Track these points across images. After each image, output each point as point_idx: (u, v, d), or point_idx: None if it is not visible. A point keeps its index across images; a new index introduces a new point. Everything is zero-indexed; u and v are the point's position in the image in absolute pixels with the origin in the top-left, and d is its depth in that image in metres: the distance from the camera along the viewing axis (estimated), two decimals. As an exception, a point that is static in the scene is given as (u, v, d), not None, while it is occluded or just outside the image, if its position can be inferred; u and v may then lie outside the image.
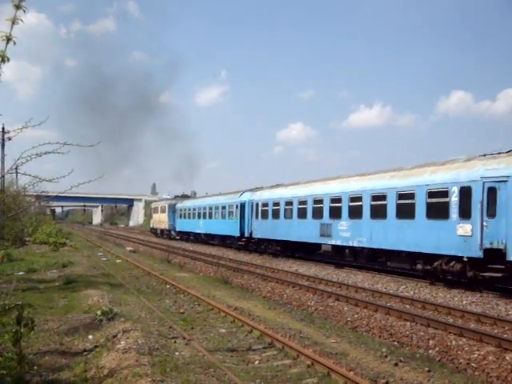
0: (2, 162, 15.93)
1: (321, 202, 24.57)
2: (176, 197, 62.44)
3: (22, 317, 6.08)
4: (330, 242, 23.62)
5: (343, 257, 23.78)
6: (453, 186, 16.40)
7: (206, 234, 44.47)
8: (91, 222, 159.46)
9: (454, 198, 16.29)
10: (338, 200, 23.17)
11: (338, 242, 22.93)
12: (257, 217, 32.08)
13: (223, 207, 39.04)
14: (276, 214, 29.53)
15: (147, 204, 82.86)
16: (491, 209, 15.07)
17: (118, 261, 29.97)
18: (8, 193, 28.67)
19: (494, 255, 14.91)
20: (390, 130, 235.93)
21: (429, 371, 8.80)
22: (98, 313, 11.95)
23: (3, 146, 30.65)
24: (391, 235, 19.26)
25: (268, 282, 19.70)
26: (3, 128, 26.84)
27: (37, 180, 7.43)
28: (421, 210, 17.69)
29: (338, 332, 11.96)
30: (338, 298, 15.41)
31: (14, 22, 4.63)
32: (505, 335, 10.64)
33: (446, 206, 16.56)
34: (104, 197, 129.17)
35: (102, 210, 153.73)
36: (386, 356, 9.73)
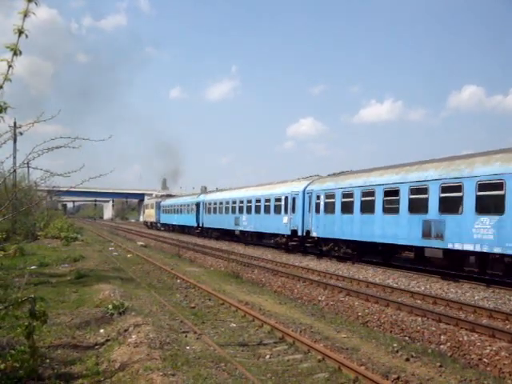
0: (14, 157, 16.04)
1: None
2: (162, 196, 79.26)
3: (35, 310, 6.11)
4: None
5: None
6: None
7: (179, 225, 56.60)
8: (102, 217, 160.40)
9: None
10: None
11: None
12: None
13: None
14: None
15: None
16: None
17: (128, 255, 30.08)
18: (20, 187, 28.88)
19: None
20: (401, 124, 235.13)
21: (440, 366, 8.75)
22: (110, 307, 12.00)
23: (15, 140, 30.74)
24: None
25: (279, 276, 19.70)
26: (15, 123, 26.93)
27: (49, 174, 7.47)
28: None
29: (349, 327, 11.92)
30: (348, 293, 15.37)
31: (25, 14, 4.62)
32: (517, 331, 10.56)
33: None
34: (115, 192, 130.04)
35: (112, 205, 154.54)
36: (397, 351, 9.69)
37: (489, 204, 16.38)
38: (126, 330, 10.01)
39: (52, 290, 15.54)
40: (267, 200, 32.84)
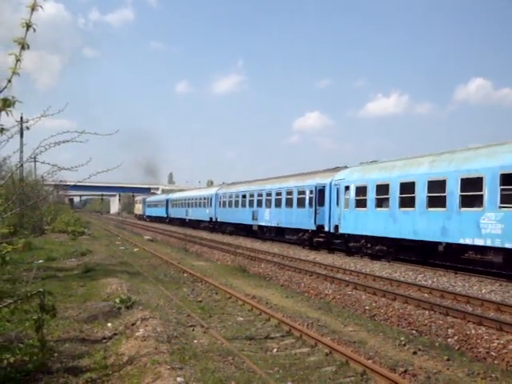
0: (21, 152, 16.07)
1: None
2: (147, 193, 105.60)
3: (44, 304, 6.14)
4: None
5: None
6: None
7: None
8: (109, 211, 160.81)
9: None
10: None
11: None
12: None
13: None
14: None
15: (164, 193, 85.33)
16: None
17: (135, 249, 30.17)
18: (27, 182, 28.95)
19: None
20: (407, 118, 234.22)
21: (448, 360, 8.75)
22: (117, 301, 12.05)
23: (22, 135, 30.82)
24: None
25: (285, 270, 19.70)
26: (21, 117, 26.99)
27: (56, 169, 7.47)
28: None
29: (356, 320, 11.92)
30: (355, 287, 15.36)
31: (33, 8, 4.61)
32: (525, 324, 10.52)
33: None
34: (121, 186, 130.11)
35: (119, 199, 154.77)
36: (404, 344, 9.68)
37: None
38: (133, 324, 10.04)
39: (59, 284, 15.60)
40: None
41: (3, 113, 4.95)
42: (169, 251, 29.63)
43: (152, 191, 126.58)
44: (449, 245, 18.53)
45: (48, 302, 6.54)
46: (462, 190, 17.15)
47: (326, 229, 25.83)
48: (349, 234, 23.97)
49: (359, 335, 10.44)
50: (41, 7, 4.66)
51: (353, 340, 9.91)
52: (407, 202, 19.83)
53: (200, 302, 13.89)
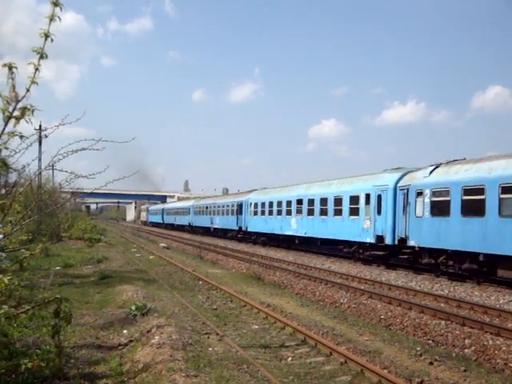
0: (40, 159, 16.32)
1: None
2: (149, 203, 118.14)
3: (61, 310, 6.19)
4: None
5: None
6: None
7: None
8: (125, 219, 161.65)
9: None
10: None
11: None
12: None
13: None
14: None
15: (180, 201, 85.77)
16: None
17: (151, 257, 30.29)
18: (45, 189, 29.24)
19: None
20: (425, 126, 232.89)
21: (465, 371, 8.66)
22: (133, 308, 12.10)
23: (40, 143, 31.20)
24: None
25: (300, 279, 19.64)
26: (40, 126, 27.35)
27: (73, 176, 7.55)
28: None
29: (372, 330, 11.85)
30: (371, 296, 15.26)
31: (51, 19, 4.69)
32: (544, 335, 10.37)
33: None
34: (137, 193, 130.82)
35: (135, 207, 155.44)
36: (420, 355, 9.60)
37: None
38: (148, 331, 10.09)
39: (76, 290, 15.74)
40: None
41: (22, 121, 5.02)
42: (184, 258, 29.71)
43: (170, 199, 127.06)
44: None
45: (65, 309, 6.60)
46: None
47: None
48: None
49: (375, 344, 10.37)
50: (59, 18, 4.74)
51: (368, 349, 9.84)
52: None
53: (215, 309, 13.90)
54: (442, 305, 13.94)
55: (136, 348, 9.11)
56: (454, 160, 19.89)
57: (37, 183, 34.61)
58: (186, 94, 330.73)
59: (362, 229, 23.69)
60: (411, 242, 20.23)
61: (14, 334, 8.66)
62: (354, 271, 21.17)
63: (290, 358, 9.20)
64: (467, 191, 17.41)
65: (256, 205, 38.51)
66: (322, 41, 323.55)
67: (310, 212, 29.18)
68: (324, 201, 27.69)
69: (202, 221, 55.58)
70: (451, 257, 18.24)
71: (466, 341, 10.40)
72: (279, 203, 34.19)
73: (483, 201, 16.59)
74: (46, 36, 4.81)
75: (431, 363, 9.06)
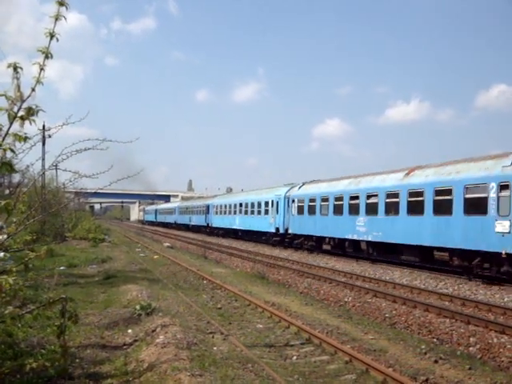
0: (43, 159, 16.35)
1: None
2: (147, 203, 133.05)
3: (66, 310, 6.20)
4: None
5: None
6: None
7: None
8: (129, 218, 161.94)
9: None
10: None
11: None
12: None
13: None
14: None
15: (184, 200, 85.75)
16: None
17: (155, 256, 30.31)
18: (48, 189, 29.27)
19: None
20: (429, 124, 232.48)
21: (470, 369, 8.64)
22: (137, 307, 12.10)
23: (44, 143, 31.27)
24: None
25: (305, 277, 19.63)
26: (44, 126, 27.36)
27: (77, 176, 7.54)
28: None
29: (376, 328, 11.83)
30: (375, 295, 15.25)
31: (57, 18, 4.69)
32: (549, 333, 10.34)
33: None
34: (141, 193, 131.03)
35: (139, 207, 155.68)
36: (425, 353, 9.59)
37: None
38: (153, 331, 10.09)
39: (81, 290, 15.76)
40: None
41: (26, 121, 5.02)
42: (188, 258, 29.73)
43: (173, 198, 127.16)
44: None
45: (70, 309, 6.61)
46: None
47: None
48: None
49: (379, 343, 10.36)
50: (64, 18, 4.73)
51: (373, 348, 9.83)
52: None
53: (219, 308, 13.90)
54: (447, 303, 13.92)
55: (141, 347, 9.10)
56: (313, 180, 31.59)
57: (40, 183, 34.67)
58: (189, 93, 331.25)
59: (269, 223, 34.68)
60: (290, 231, 31.11)
61: (19, 334, 8.66)
62: (358, 270, 21.16)
63: (294, 357, 9.20)
64: (311, 200, 28.71)
65: (217, 206, 51.14)
66: (325, 40, 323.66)
67: (240, 211, 42.97)
68: (252, 204, 40.05)
69: (184, 219, 68.83)
70: (308, 239, 29.32)
71: (471, 339, 10.37)
72: (229, 205, 46.90)
73: (314, 206, 28.12)
74: (52, 35, 4.81)
75: (436, 361, 9.04)
